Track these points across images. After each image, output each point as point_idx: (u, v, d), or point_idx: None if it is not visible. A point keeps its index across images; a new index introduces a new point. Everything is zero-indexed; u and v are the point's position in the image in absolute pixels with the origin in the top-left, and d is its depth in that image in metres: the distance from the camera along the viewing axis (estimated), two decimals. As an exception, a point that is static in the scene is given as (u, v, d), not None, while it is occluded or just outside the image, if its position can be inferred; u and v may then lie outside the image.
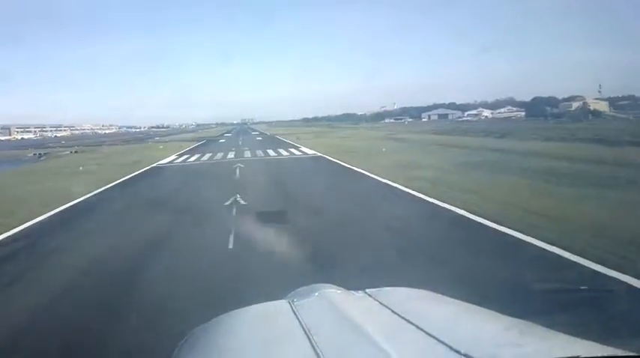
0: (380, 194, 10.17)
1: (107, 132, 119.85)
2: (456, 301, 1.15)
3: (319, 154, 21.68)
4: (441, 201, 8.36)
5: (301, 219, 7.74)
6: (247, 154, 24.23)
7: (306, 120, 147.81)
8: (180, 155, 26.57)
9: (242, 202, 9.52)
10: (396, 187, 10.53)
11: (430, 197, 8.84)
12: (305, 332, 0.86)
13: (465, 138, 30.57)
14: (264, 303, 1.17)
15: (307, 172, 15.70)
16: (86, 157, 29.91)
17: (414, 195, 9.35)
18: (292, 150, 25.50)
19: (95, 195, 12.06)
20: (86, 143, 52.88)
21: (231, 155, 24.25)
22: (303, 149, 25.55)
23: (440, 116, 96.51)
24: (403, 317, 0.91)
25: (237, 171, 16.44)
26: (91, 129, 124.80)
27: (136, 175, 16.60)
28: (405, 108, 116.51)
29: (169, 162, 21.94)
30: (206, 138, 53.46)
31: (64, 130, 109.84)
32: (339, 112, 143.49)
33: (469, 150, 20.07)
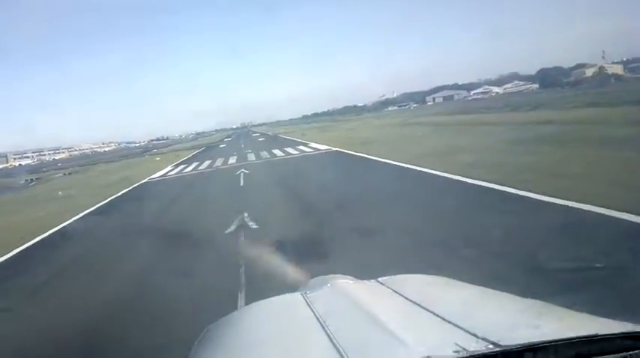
0: (463, 201, 6.19)
1: (106, 149, 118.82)
2: (470, 285, 1.11)
3: (334, 149, 18.69)
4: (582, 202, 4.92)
5: (360, 254, 4.34)
6: (251, 157, 21.27)
7: (305, 117, 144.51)
8: (177, 166, 23.74)
9: (252, 225, 6.58)
10: (478, 186, 6.79)
11: (558, 198, 5.28)
12: (321, 324, 0.85)
13: (490, 115, 27.29)
14: (278, 297, 1.14)
15: (328, 171, 12.72)
16: (76, 179, 27.65)
17: (529, 199, 5.57)
18: (301, 147, 22.51)
19: (55, 233, 9.17)
20: (83, 163, 51.45)
21: (232, 160, 21.32)
22: (313, 145, 22.56)
23: (445, 98, 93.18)
24: (417, 304, 0.89)
25: (242, 178, 13.55)
26: (90, 148, 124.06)
27: (117, 197, 13.75)
28: (406, 94, 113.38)
29: (162, 176, 19.09)
30: (205, 144, 50.89)
31: (62, 152, 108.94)
32: (339, 106, 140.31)
33: (512, 127, 16.91)
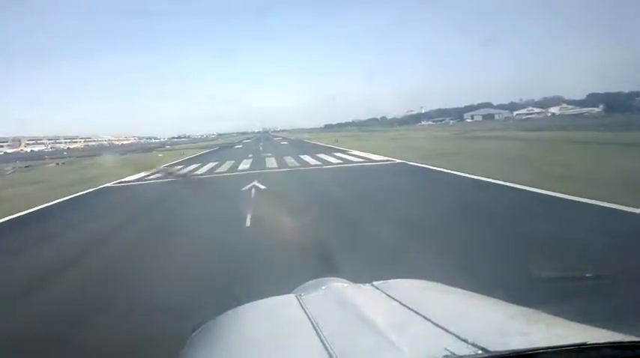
0: None
1: (125, 143, 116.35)
2: (463, 291, 1.11)
3: (396, 160, 12.25)
4: None
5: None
6: (271, 163, 14.98)
7: (328, 126, 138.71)
8: (172, 166, 17.74)
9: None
10: None
11: None
12: (313, 326, 0.86)
13: (576, 133, 20.21)
14: (272, 298, 1.12)
15: (423, 201, 6.25)
16: (57, 170, 22.52)
17: None
18: (340, 154, 16.13)
19: None
20: (87, 154, 48.67)
21: (244, 165, 15.09)
22: (357, 153, 16.16)
23: (484, 116, 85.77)
24: (410, 309, 0.91)
25: (251, 199, 7.29)
26: (109, 140, 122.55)
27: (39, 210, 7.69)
28: (439, 109, 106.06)
29: (138, 179, 12.99)
30: (222, 144, 45.60)
31: (78, 142, 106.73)
32: (363, 118, 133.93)
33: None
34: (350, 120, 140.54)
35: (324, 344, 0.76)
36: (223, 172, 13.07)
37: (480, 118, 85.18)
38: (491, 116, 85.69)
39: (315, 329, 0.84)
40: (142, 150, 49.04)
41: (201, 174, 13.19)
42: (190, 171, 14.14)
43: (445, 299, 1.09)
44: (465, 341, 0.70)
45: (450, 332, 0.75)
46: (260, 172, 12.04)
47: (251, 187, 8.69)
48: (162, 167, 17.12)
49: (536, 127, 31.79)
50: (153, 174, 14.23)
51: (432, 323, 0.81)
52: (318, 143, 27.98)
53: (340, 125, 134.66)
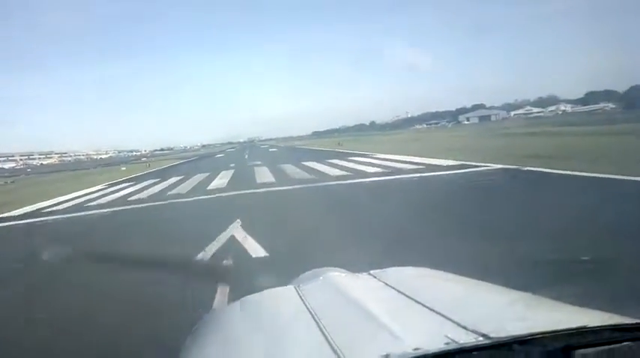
0: None
1: (103, 156, 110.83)
2: (461, 278, 1.08)
3: (481, 164, 7.07)
4: None
5: None
6: (264, 176, 9.57)
7: (316, 133, 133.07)
8: (113, 185, 12.07)
9: None
10: None
11: None
12: (312, 317, 0.85)
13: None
14: (270, 290, 1.08)
15: None
16: None
17: None
18: (365, 159, 10.83)
19: None
20: (54, 170, 44.19)
21: (220, 180, 9.68)
22: (390, 156, 10.87)
23: (481, 118, 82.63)
24: (409, 297, 0.89)
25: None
26: (87, 154, 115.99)
27: None
28: (430, 113, 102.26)
29: (46, 208, 7.40)
30: (202, 155, 40.10)
31: (52, 157, 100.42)
32: (351, 123, 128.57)
33: None
34: (338, 127, 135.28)
35: (324, 335, 0.75)
36: (180, 197, 7.57)
37: (476, 120, 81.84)
38: (487, 117, 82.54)
39: (315, 320, 0.83)
40: (112, 164, 45.27)
41: (153, 199, 7.66)
42: (123, 198, 8.48)
43: (443, 286, 1.07)
44: (464, 328, 0.69)
45: (450, 320, 0.74)
46: (246, 194, 6.67)
47: (222, 248, 3.39)
48: (97, 188, 11.49)
49: (567, 123, 27.37)
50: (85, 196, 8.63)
51: (431, 310, 0.80)
52: (319, 148, 22.59)
53: (328, 132, 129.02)
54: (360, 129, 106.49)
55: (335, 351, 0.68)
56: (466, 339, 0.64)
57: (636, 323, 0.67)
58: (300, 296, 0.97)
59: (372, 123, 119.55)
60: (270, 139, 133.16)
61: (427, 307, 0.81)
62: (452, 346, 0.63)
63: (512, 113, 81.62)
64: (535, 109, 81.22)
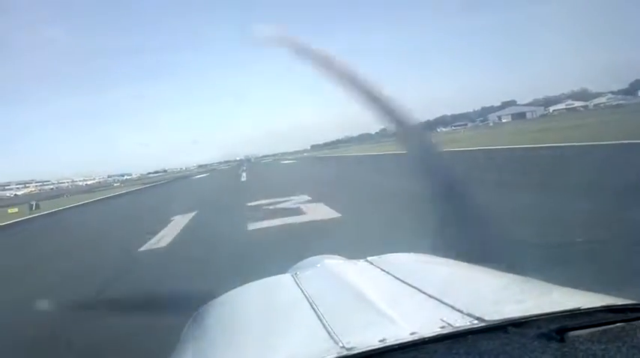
0: None
1: (89, 182, 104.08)
2: (456, 262, 1.13)
3: None
4: None
5: None
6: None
7: (315, 147, 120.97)
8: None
9: None
10: None
11: None
12: (310, 304, 0.85)
13: None
14: (268, 278, 1.13)
15: None
16: None
17: None
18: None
19: None
20: (21, 201, 39.85)
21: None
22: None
23: (514, 115, 74.86)
24: (405, 282, 0.90)
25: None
26: (72, 181, 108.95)
27: None
28: (453, 115, 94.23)
29: None
30: (183, 176, 34.92)
31: (28, 187, 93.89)
32: (354, 134, 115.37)
33: None
34: (339, 138, 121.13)
35: (321, 321, 0.75)
36: None
37: (509, 118, 73.86)
38: (522, 115, 74.54)
39: (313, 307, 0.82)
40: (85, 192, 43.27)
41: None
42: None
43: (439, 271, 1.07)
44: (460, 311, 0.69)
45: (445, 304, 0.73)
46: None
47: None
48: None
49: None
50: None
51: (427, 295, 0.79)
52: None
53: (327, 144, 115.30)
54: (366, 139, 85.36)
55: (332, 337, 0.67)
56: (462, 323, 0.64)
57: (628, 304, 0.68)
58: (298, 284, 0.99)
59: (383, 131, 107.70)
60: (266, 156, 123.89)
61: (423, 292, 0.80)
62: (448, 330, 0.63)
63: (552, 108, 73.11)
64: (577, 103, 72.51)
